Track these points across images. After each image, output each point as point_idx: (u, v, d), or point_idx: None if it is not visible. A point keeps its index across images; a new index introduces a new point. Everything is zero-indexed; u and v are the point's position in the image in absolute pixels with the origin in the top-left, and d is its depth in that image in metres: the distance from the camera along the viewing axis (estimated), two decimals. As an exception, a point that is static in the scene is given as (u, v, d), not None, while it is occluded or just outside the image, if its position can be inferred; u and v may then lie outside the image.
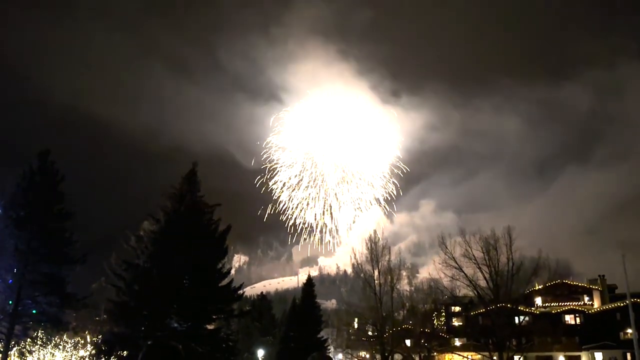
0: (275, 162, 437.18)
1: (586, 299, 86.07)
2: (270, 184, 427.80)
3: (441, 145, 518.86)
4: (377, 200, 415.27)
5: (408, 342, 71.53)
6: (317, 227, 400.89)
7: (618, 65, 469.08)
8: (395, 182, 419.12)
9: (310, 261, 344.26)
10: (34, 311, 34.19)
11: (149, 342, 3.30)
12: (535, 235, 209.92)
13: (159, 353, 3.18)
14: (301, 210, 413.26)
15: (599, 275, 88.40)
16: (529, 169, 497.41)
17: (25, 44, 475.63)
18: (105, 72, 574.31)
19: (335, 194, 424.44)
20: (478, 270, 59.67)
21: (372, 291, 65.24)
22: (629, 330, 64.40)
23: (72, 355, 52.95)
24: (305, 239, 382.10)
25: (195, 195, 32.42)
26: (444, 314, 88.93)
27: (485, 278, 59.86)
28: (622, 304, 69.02)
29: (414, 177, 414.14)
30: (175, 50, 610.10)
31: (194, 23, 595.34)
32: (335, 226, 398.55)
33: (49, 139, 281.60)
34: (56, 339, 47.57)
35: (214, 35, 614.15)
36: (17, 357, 41.26)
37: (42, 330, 36.98)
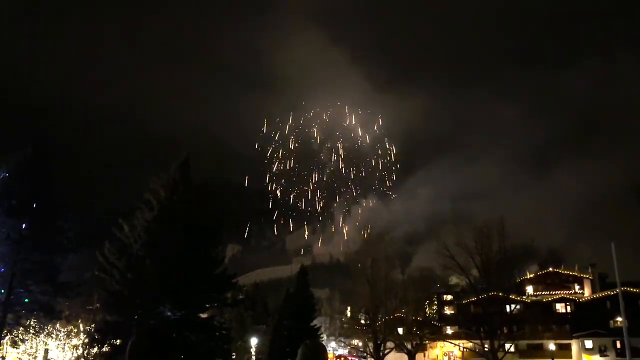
0: (270, 150, 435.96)
1: (577, 287, 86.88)
2: (266, 171, 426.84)
3: (438, 134, 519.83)
4: (373, 188, 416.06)
5: (400, 330, 72.12)
6: (312, 215, 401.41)
7: (616, 55, 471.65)
8: (392, 170, 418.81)
9: (304, 250, 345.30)
10: (26, 300, 34.17)
11: (138, 330, 3.31)
12: (529, 223, 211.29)
13: (147, 340, 3.18)
14: (296, 199, 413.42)
15: (590, 264, 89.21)
16: (525, 158, 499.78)
17: (15, 35, 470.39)
18: (97, 60, 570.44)
19: (331, 182, 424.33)
20: (470, 259, 60.17)
21: (365, 279, 65.61)
22: (619, 319, 65.06)
23: (64, 343, 52.96)
24: (299, 228, 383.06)
25: (189, 184, 32.35)
26: (436, 302, 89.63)
27: (477, 267, 60.36)
28: (612, 293, 69.69)
29: (411, 166, 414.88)
30: (168, 37, 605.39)
31: (187, 11, 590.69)
32: (331, 214, 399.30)
33: (41, 128, 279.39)
34: (49, 327, 47.51)
35: (207, 23, 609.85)
36: (10, 345, 41.23)
37: (34, 319, 36.94)
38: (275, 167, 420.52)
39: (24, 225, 32.83)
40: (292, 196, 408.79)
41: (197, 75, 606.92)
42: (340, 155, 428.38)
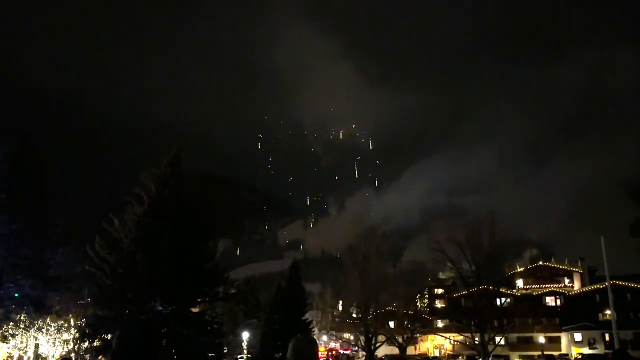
0: (265, 146, 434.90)
1: (567, 281, 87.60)
2: (259, 167, 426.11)
3: (432, 128, 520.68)
4: (367, 181, 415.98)
5: (392, 324, 72.44)
6: (304, 210, 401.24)
7: (611, 48, 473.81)
8: (386, 164, 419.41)
9: (295, 244, 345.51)
10: (16, 294, 33.93)
11: (123, 326, 3.29)
12: (521, 217, 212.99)
13: (132, 335, 3.16)
14: (289, 194, 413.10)
15: (580, 258, 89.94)
16: (519, 152, 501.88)
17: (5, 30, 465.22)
18: (89, 55, 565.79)
19: (325, 177, 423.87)
20: (461, 253, 60.38)
21: (357, 274, 65.68)
22: (608, 312, 65.73)
23: (55, 338, 52.76)
24: (292, 222, 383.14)
25: (179, 178, 32.19)
26: (427, 295, 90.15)
27: (468, 261, 60.60)
28: (601, 286, 70.32)
29: (404, 160, 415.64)
30: (159, 31, 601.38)
31: (183, 9, 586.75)
32: (323, 209, 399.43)
33: (31, 121, 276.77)
34: (39, 322, 47.31)
35: (199, 18, 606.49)
36: (0, 340, 41.01)
37: (24, 313, 36.74)
38: (268, 163, 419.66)
39: (12, 220, 32.54)
40: (286, 188, 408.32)
41: (192, 72, 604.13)
42: (334, 150, 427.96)
